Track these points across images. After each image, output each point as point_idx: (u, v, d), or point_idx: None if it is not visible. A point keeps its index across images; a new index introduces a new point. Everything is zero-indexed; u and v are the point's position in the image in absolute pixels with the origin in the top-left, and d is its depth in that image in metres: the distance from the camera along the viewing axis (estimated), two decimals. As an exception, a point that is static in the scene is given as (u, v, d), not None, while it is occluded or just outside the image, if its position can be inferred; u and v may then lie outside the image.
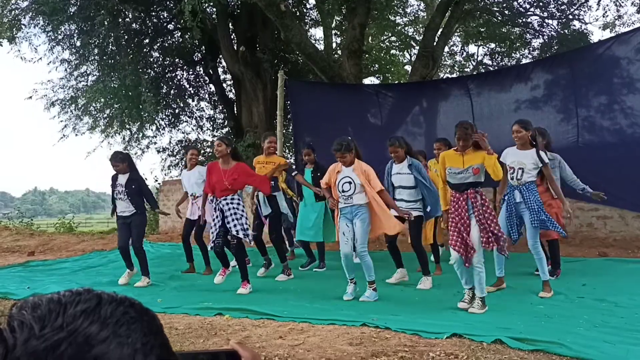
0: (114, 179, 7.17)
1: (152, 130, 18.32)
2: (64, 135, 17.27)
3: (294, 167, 8.48)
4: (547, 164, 5.77)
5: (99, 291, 0.70)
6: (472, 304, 5.11)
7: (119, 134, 17.94)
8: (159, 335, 0.71)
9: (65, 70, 16.08)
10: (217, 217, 6.33)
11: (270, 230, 7.26)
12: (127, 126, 17.65)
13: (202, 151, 17.89)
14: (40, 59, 15.65)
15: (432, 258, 7.36)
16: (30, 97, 16.72)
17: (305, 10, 18.08)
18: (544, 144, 6.44)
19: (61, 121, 17.14)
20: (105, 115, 17.39)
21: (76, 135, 17.42)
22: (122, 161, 7.13)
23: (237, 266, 6.53)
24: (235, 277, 6.61)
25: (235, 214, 6.25)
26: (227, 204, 6.28)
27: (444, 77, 21.23)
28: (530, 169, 5.73)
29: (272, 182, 7.20)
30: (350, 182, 5.77)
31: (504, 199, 5.95)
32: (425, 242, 7.10)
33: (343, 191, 5.80)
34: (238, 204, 6.33)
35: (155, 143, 18.90)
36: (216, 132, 19.53)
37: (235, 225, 6.20)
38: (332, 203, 5.94)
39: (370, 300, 5.68)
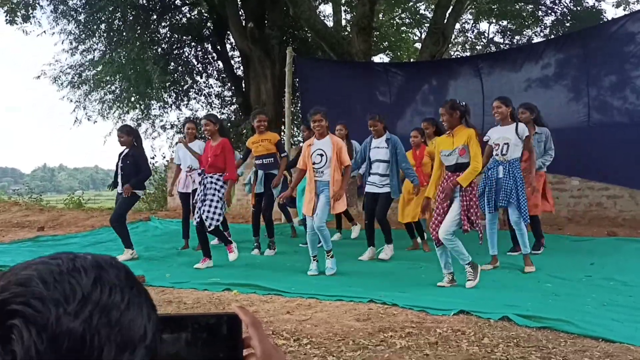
0: (119, 155, 7.27)
1: (158, 108, 18.34)
2: (76, 119, 17.35)
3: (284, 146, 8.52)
4: (528, 136, 5.90)
5: (82, 254, 0.67)
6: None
7: (128, 113, 17.96)
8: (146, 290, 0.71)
9: (71, 43, 16.02)
10: (200, 191, 6.46)
11: (265, 208, 7.32)
12: (136, 105, 17.63)
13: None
14: (44, 32, 15.56)
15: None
16: (39, 77, 16.78)
17: (314, -14, 17.88)
18: (532, 118, 6.69)
19: (71, 101, 17.19)
20: (111, 92, 17.38)
21: (88, 120, 17.51)
22: (127, 134, 7.19)
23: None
24: (243, 254, 6.65)
25: (213, 195, 6.34)
26: (211, 182, 6.41)
27: (455, 54, 21.02)
28: (515, 143, 5.84)
29: (272, 159, 7.24)
30: (322, 155, 5.90)
31: (485, 174, 6.03)
32: (413, 218, 7.24)
33: (314, 163, 5.91)
34: (221, 186, 6.42)
35: (162, 120, 18.94)
36: (224, 109, 19.52)
37: (205, 206, 6.30)
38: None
39: (333, 271, 5.85)
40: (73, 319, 0.59)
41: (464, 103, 5.20)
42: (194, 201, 6.56)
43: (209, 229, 6.34)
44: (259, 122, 7.35)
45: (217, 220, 6.34)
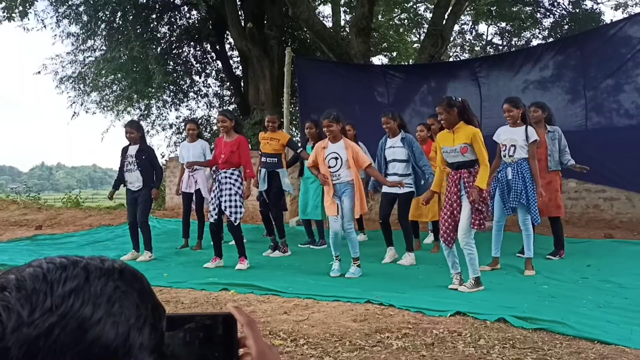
0: (124, 150, 7.21)
1: (156, 107, 18.35)
2: (74, 113, 17.36)
3: (299, 144, 8.51)
4: (535, 141, 5.82)
5: (84, 260, 0.66)
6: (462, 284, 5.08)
7: (128, 112, 17.96)
8: (150, 301, 0.68)
9: (72, 44, 16.09)
10: (215, 188, 6.43)
11: (271, 206, 7.31)
12: (136, 103, 17.64)
13: (209, 129, 17.91)
14: (44, 27, 15.58)
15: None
16: (39, 72, 16.76)
17: (313, -13, 17.88)
18: (544, 117, 6.58)
19: (69, 97, 17.21)
20: (112, 91, 17.40)
21: (86, 112, 17.50)
22: (137, 129, 7.22)
23: (233, 242, 6.58)
24: (236, 253, 6.66)
25: (230, 189, 6.30)
26: (226, 177, 6.36)
27: (453, 56, 21.05)
28: (522, 145, 5.80)
29: (275, 159, 7.24)
30: (336, 158, 5.83)
31: (496, 177, 6.01)
32: (432, 218, 7.18)
33: (330, 167, 5.86)
34: (236, 180, 6.37)
35: (160, 120, 18.95)
36: (223, 108, 19.51)
37: (226, 201, 6.27)
38: (321, 179, 5.95)
39: (355, 276, 5.75)
40: (32, 330, 0.58)
41: (460, 99, 5.07)
42: (210, 199, 6.55)
43: (235, 223, 6.31)
44: (267, 122, 7.49)
45: (241, 214, 6.34)
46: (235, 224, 6.32)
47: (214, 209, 6.39)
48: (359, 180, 5.88)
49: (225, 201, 6.28)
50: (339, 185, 5.84)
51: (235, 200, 6.28)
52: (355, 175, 5.81)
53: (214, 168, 6.73)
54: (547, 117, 6.63)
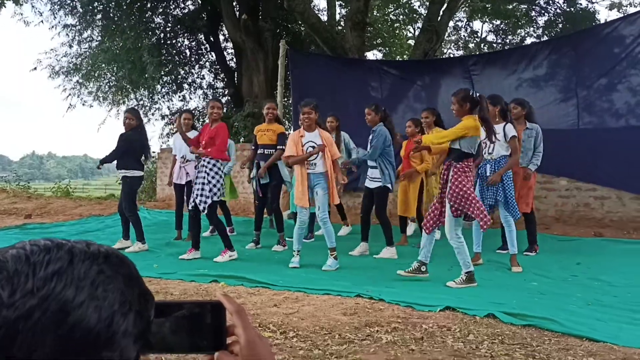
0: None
1: (150, 98, 18.26)
2: (70, 105, 17.28)
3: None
4: (513, 137, 5.86)
5: (69, 243, 0.64)
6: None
7: (123, 103, 17.88)
8: (136, 287, 0.67)
9: (67, 35, 16.00)
10: (196, 175, 6.44)
11: (271, 199, 7.26)
12: (131, 94, 17.56)
13: (202, 120, 17.84)
14: (42, 22, 15.49)
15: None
16: (35, 69, 16.74)
17: (309, -21, 17.81)
18: (524, 113, 6.59)
19: (65, 89, 17.14)
20: (106, 81, 17.33)
21: (83, 105, 17.48)
22: (137, 117, 7.19)
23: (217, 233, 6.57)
24: (236, 246, 6.64)
25: (204, 177, 6.27)
26: (203, 165, 6.34)
27: (448, 52, 21.06)
28: (499, 143, 5.84)
29: (273, 151, 7.16)
30: (314, 147, 5.90)
31: (477, 173, 6.03)
32: (409, 213, 7.25)
33: None
34: (211, 168, 6.29)
35: (154, 112, 18.85)
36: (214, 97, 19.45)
37: (197, 189, 6.27)
38: (305, 157, 5.99)
39: (331, 269, 5.77)
40: (12, 311, 0.57)
41: (477, 95, 5.02)
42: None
43: (203, 212, 6.28)
44: (267, 109, 7.35)
45: (207, 203, 6.22)
46: (203, 212, 6.29)
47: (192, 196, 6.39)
48: (332, 170, 5.90)
49: (196, 189, 6.28)
50: (313, 176, 5.90)
51: (203, 190, 6.24)
52: (329, 165, 5.86)
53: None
54: (527, 113, 6.63)
